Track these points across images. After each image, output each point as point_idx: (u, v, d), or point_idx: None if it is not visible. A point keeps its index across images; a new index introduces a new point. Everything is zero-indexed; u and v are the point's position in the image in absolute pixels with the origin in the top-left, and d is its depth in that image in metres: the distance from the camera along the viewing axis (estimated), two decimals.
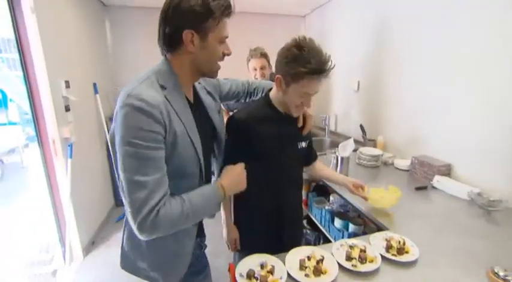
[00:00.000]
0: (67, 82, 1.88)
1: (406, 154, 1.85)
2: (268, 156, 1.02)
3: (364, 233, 1.52)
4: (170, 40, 0.71)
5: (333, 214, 1.62)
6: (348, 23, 2.45)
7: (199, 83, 0.89)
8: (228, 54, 0.78)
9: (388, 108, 2.03)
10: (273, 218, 1.09)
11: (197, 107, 0.83)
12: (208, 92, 0.92)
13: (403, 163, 1.75)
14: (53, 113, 1.74)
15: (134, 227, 0.64)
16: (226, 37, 0.76)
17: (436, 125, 1.64)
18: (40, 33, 1.63)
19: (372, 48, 2.16)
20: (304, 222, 2.09)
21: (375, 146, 2.07)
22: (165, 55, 0.75)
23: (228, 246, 1.15)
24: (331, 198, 1.79)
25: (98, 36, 2.65)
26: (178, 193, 0.71)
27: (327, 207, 1.75)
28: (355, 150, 1.83)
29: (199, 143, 0.75)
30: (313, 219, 1.86)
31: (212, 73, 0.79)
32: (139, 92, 0.64)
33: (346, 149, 1.63)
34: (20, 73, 1.70)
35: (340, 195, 1.46)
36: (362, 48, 2.27)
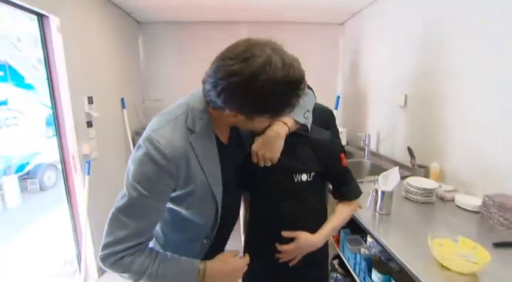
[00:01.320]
0: (90, 98, 1.88)
1: (473, 189, 1.43)
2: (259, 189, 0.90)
3: None
4: (218, 104, 0.62)
5: (371, 263, 1.28)
6: (391, 29, 2.12)
7: None
8: (260, 131, 0.78)
9: (446, 127, 1.63)
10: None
11: (233, 144, 0.77)
12: None
13: (470, 201, 1.34)
14: (73, 129, 1.74)
15: (99, 254, 0.62)
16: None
17: None
18: (65, 51, 1.65)
19: (422, 56, 1.80)
20: (335, 262, 1.75)
21: (427, 175, 1.67)
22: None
23: None
24: (369, 239, 1.45)
25: (130, 53, 2.72)
26: (177, 240, 0.73)
27: (362, 251, 1.41)
28: (402, 179, 1.48)
29: (221, 194, 0.70)
30: (346, 263, 1.52)
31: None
32: (161, 137, 0.60)
33: (389, 180, 1.30)
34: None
35: (377, 240, 1.14)
36: (409, 57, 1.91)
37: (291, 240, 0.85)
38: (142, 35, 2.94)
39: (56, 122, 1.76)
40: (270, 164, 0.78)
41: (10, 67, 4.44)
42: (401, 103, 1.97)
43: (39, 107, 4.76)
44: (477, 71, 1.40)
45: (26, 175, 4.58)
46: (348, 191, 0.93)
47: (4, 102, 4.58)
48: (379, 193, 1.28)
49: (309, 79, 2.06)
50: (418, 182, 1.48)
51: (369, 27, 2.51)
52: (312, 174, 0.85)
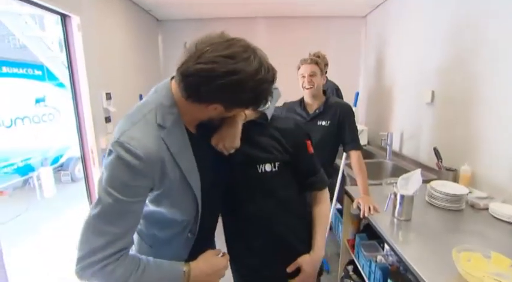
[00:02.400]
0: (108, 94, 1.94)
1: (510, 197, 1.26)
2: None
3: None
4: (194, 96, 0.61)
5: (387, 273, 1.17)
6: (418, 21, 1.94)
7: None
8: (245, 119, 0.78)
9: (479, 126, 1.45)
10: None
11: (201, 132, 0.73)
12: None
13: (507, 211, 1.18)
14: (92, 123, 1.80)
15: (74, 268, 0.57)
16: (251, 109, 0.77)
17: None
18: (84, 49, 1.71)
19: (452, 49, 1.62)
20: (349, 268, 1.65)
21: (455, 179, 1.51)
22: (170, 82, 0.66)
23: None
24: (386, 247, 1.34)
25: (149, 50, 2.78)
26: (163, 236, 0.72)
27: (378, 259, 1.31)
28: (425, 182, 1.35)
29: (199, 186, 0.68)
30: (360, 270, 1.42)
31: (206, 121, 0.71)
32: (130, 138, 0.57)
33: (409, 184, 1.18)
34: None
35: (394, 251, 1.03)
36: (438, 51, 1.73)
37: (272, 236, 0.84)
38: (161, 32, 3.00)
39: (77, 117, 1.84)
40: (233, 150, 0.74)
41: (47, 67, 4.80)
42: (428, 100, 1.81)
43: (70, 104, 5.09)
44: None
45: (60, 167, 4.93)
46: (317, 181, 0.90)
47: (42, 99, 4.97)
48: (398, 197, 1.17)
49: (330, 75, 1.94)
50: (444, 186, 1.33)
51: (393, 20, 2.33)
52: (277, 164, 0.81)
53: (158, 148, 0.59)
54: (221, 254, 0.75)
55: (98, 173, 1.90)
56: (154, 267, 0.63)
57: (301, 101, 1.58)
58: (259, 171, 0.81)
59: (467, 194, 1.29)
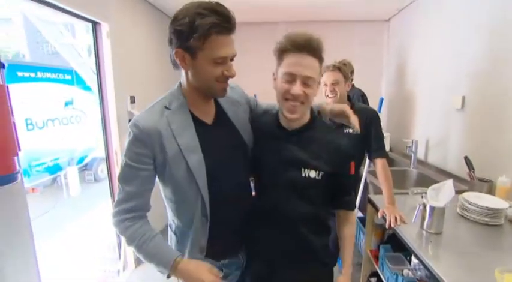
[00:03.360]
0: (132, 97, 2.01)
1: None
2: (264, 180, 0.88)
3: None
4: (171, 59, 0.76)
5: None
6: (446, 24, 1.85)
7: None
8: (230, 76, 0.74)
9: None
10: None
11: (220, 124, 0.82)
12: (233, 102, 0.87)
13: None
14: (116, 126, 1.87)
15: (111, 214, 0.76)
16: (223, 57, 0.70)
17: None
18: (112, 54, 1.79)
19: (485, 52, 1.53)
20: (373, 280, 1.58)
21: (491, 191, 1.41)
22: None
23: None
24: (414, 260, 1.27)
25: (169, 57, 2.87)
26: (182, 222, 0.81)
27: (405, 273, 1.24)
28: (456, 193, 1.26)
29: (199, 165, 0.75)
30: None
31: (213, 93, 0.77)
32: (138, 119, 0.74)
33: (440, 194, 1.11)
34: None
35: (424, 263, 0.97)
36: (469, 54, 1.64)
37: (294, 232, 0.85)
38: None
39: (102, 119, 1.92)
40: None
41: (76, 72, 5.09)
42: (458, 106, 1.71)
43: (96, 107, 5.35)
44: None
45: (84, 167, 5.16)
46: (349, 201, 0.92)
47: (71, 102, 5.26)
48: (428, 208, 1.10)
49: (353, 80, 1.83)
50: (479, 198, 1.24)
51: (417, 23, 2.24)
52: (321, 173, 0.81)
53: (157, 123, 0.72)
54: (215, 273, 0.76)
55: None
56: (155, 245, 0.74)
57: None
58: (303, 175, 0.81)
59: (506, 209, 1.19)
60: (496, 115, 1.47)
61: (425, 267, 0.97)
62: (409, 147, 2.05)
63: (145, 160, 0.73)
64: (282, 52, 0.79)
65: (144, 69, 2.31)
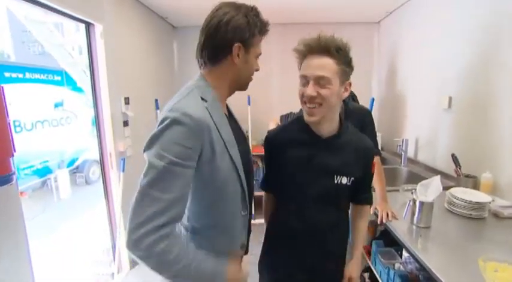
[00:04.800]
0: (127, 99, 2.01)
1: None
2: (292, 186, 0.88)
3: None
4: (217, 53, 0.73)
5: (406, 281, 1.15)
6: (434, 26, 1.92)
7: None
8: (258, 70, 0.81)
9: (502, 133, 1.42)
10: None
11: (231, 121, 0.81)
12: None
13: None
14: (111, 127, 1.86)
15: (128, 242, 0.58)
16: (260, 54, 0.80)
17: None
18: (106, 55, 1.78)
19: (471, 54, 1.60)
20: (366, 276, 1.62)
21: (475, 186, 1.48)
22: (200, 72, 0.79)
23: None
24: (404, 254, 1.32)
25: (165, 56, 2.87)
26: (221, 221, 0.73)
27: (397, 267, 1.28)
28: (444, 189, 1.32)
29: (239, 158, 0.73)
30: (377, 277, 1.40)
31: (246, 85, 0.83)
32: (183, 105, 0.64)
33: (429, 190, 1.16)
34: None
35: (414, 256, 1.01)
36: (456, 56, 1.71)
37: (321, 241, 0.88)
38: (176, 39, 3.08)
39: (97, 121, 1.90)
40: None
41: (66, 73, 5.00)
42: (445, 106, 1.78)
43: (87, 108, 5.27)
44: None
45: (75, 169, 5.07)
46: (368, 197, 0.98)
47: (60, 104, 5.16)
48: (417, 204, 1.15)
49: None
50: (465, 193, 1.30)
51: (407, 25, 2.32)
52: (352, 178, 0.84)
53: (205, 114, 0.66)
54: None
55: (115, 176, 1.95)
56: (203, 259, 0.67)
57: None
58: (335, 182, 0.83)
59: (489, 203, 1.25)
60: (481, 114, 1.54)
61: (416, 260, 1.01)
62: (400, 146, 2.11)
63: (193, 156, 0.63)
64: (298, 59, 0.83)
65: (138, 70, 2.30)
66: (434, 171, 1.85)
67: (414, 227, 1.17)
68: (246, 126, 2.87)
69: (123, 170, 1.93)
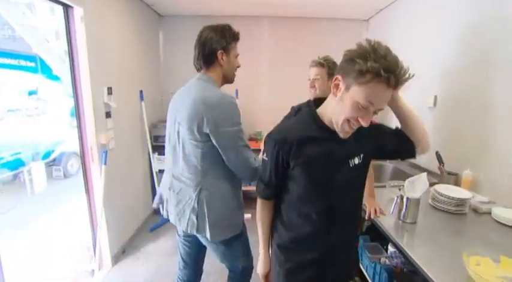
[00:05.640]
0: (109, 89, 1.90)
1: None
2: (315, 186, 0.83)
3: None
4: (208, 58, 1.08)
5: (392, 275, 1.19)
6: (421, 26, 1.97)
7: None
8: (239, 66, 1.17)
9: (484, 132, 1.48)
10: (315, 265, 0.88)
11: None
12: None
13: (510, 216, 1.20)
14: (92, 119, 1.76)
15: (249, 174, 1.06)
16: (238, 54, 1.16)
17: None
18: (87, 41, 1.67)
19: (455, 55, 1.65)
20: None
21: (457, 183, 1.54)
22: (201, 71, 1.12)
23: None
24: (390, 248, 1.35)
25: (150, 46, 2.74)
26: None
27: (382, 261, 1.32)
28: (430, 185, 1.36)
29: None
30: (364, 271, 1.43)
31: (232, 79, 1.17)
32: (224, 93, 1.03)
33: (416, 187, 1.19)
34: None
35: (401, 250, 1.04)
36: (441, 57, 1.76)
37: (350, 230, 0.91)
38: (162, 28, 2.95)
39: (77, 111, 1.79)
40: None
41: (40, 59, 4.66)
42: (431, 104, 1.83)
43: (64, 97, 4.98)
44: None
45: (52, 162, 4.80)
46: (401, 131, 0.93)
47: (34, 92, 4.83)
48: (405, 200, 1.18)
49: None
50: (448, 190, 1.35)
51: (395, 24, 2.36)
52: (362, 155, 0.84)
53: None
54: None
55: (97, 169, 1.86)
56: None
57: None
58: (351, 165, 0.82)
59: (470, 199, 1.31)
60: (464, 114, 1.60)
61: (402, 254, 1.04)
62: None
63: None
64: (373, 72, 0.70)
65: (122, 59, 2.18)
66: (419, 168, 1.91)
67: (401, 222, 1.20)
68: None
69: (105, 163, 1.84)
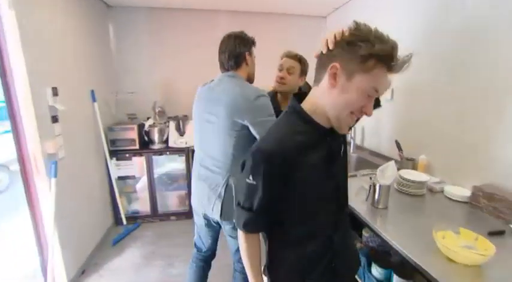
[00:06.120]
0: (54, 89, 1.64)
1: (459, 180, 1.47)
2: (324, 195, 0.74)
3: None
4: (237, 60, 1.21)
5: (370, 257, 1.26)
6: (380, 24, 2.10)
7: None
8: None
9: (434, 119, 1.66)
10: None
11: None
12: None
13: (459, 192, 1.37)
14: (34, 124, 1.50)
15: None
16: (255, 56, 1.31)
17: (508, 141, 1.25)
18: (21, 33, 1.40)
19: (412, 50, 1.80)
20: None
21: (414, 167, 1.70)
22: (230, 71, 1.23)
23: None
24: (364, 234, 1.44)
25: (99, 40, 2.45)
26: None
27: (358, 246, 1.39)
28: None
29: None
30: None
31: (253, 78, 1.31)
32: (259, 88, 1.16)
33: (386, 174, 1.28)
34: None
35: (378, 234, 1.11)
36: (399, 53, 1.91)
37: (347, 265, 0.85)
38: (112, 20, 2.66)
39: (10, 116, 1.50)
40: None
41: None
42: (388, 97, 1.99)
43: None
44: (463, 61, 1.43)
45: None
46: None
47: None
48: (377, 187, 1.26)
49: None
50: (409, 174, 1.48)
51: (352, 21, 2.49)
52: (341, 138, 0.81)
53: None
54: None
55: (44, 183, 1.60)
56: None
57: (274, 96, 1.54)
58: (341, 154, 0.77)
59: (427, 181, 1.46)
60: (417, 104, 1.77)
61: (379, 237, 1.11)
62: (349, 134, 2.29)
63: None
64: (383, 56, 0.65)
65: (68, 55, 1.90)
66: (380, 156, 2.07)
67: (374, 208, 1.28)
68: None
69: (55, 176, 1.59)
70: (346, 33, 0.64)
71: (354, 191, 1.45)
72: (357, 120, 0.73)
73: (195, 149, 1.31)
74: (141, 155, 2.54)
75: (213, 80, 1.25)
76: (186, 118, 2.70)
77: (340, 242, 0.79)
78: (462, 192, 1.37)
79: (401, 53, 0.65)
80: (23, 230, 2.57)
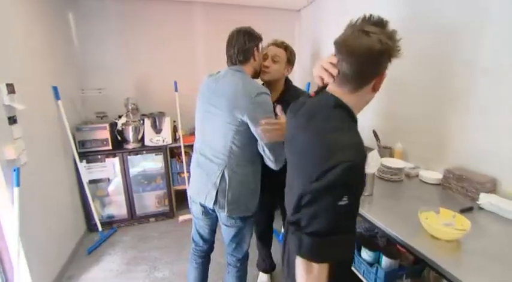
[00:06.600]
0: (11, 86, 1.45)
1: (431, 164, 1.60)
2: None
3: (401, 268, 1.24)
4: (245, 54, 1.22)
5: (359, 242, 1.32)
6: (353, 16, 2.18)
7: None
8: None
9: (407, 110, 1.78)
10: None
11: None
12: None
13: (431, 176, 1.49)
14: None
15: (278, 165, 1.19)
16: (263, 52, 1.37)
17: (473, 128, 1.39)
18: None
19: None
20: None
21: (391, 155, 1.81)
22: (236, 66, 1.24)
23: None
24: None
25: (59, 31, 2.21)
26: None
27: None
28: None
29: None
30: None
31: (259, 73, 1.36)
32: (261, 85, 1.20)
33: (370, 163, 1.34)
34: None
35: (369, 221, 1.16)
36: None
37: None
38: (73, 10, 2.41)
39: None
40: None
41: None
42: None
43: None
44: (432, 53, 1.54)
45: None
46: None
47: None
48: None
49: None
50: (388, 162, 1.58)
51: (327, 15, 2.55)
52: None
53: None
54: None
55: (4, 193, 1.42)
56: None
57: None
58: None
59: (404, 167, 1.56)
60: (392, 97, 1.87)
61: (369, 222, 1.17)
62: None
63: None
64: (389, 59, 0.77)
65: (24, 48, 1.68)
66: None
67: (362, 196, 1.34)
68: (175, 115, 2.59)
69: (18, 185, 1.42)
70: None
71: None
72: None
73: (196, 137, 1.33)
74: (114, 155, 2.37)
75: (219, 72, 1.27)
76: (162, 115, 2.57)
77: None
78: (435, 175, 1.49)
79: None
80: None
